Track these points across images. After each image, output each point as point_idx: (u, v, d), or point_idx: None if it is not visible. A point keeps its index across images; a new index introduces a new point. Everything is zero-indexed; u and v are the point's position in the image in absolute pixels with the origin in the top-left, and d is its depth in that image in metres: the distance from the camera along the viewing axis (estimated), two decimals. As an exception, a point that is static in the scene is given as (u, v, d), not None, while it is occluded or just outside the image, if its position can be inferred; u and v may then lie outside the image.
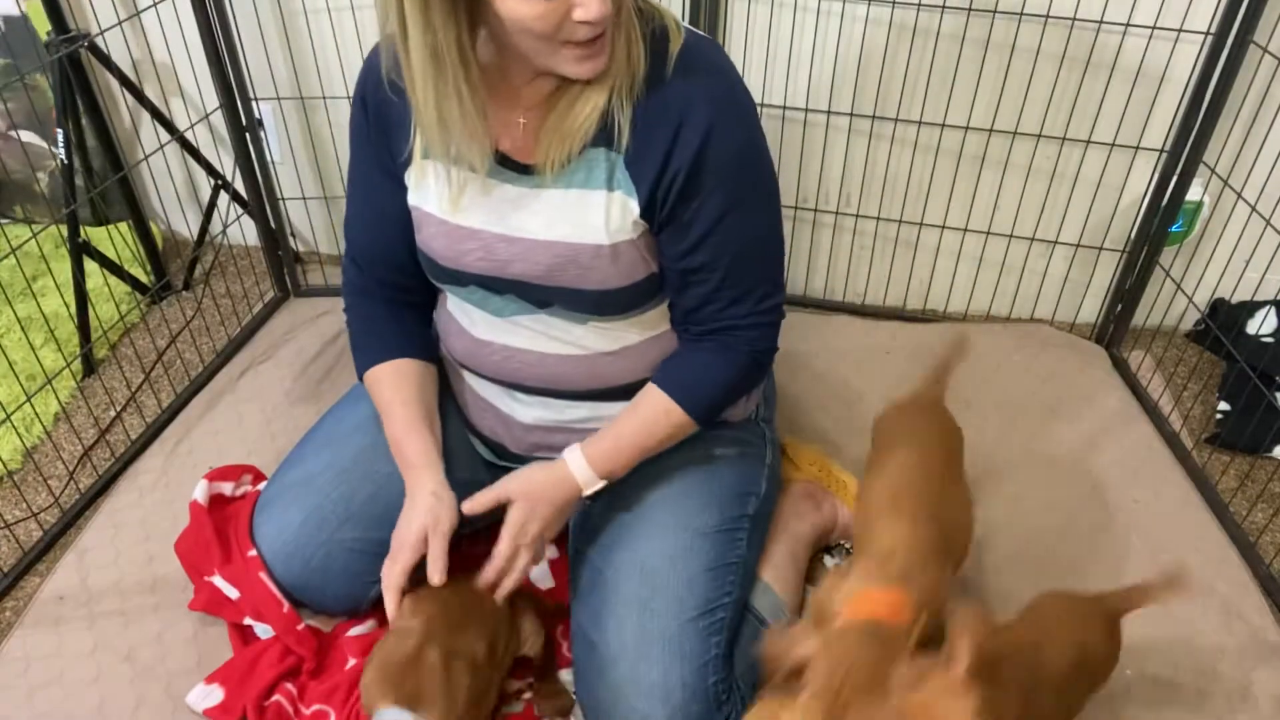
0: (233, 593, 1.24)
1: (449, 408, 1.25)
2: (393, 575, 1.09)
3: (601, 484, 1.10)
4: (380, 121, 1.09)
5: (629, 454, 1.10)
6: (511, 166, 1.03)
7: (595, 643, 1.08)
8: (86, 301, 1.76)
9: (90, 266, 1.78)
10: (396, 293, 1.20)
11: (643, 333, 1.12)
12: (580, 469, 1.09)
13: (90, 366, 1.80)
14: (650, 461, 1.14)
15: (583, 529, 1.19)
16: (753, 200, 1.03)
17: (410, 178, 1.09)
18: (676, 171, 0.98)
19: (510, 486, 1.10)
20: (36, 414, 1.64)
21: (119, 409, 1.71)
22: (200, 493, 1.38)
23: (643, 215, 1.01)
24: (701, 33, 1.02)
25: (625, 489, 1.16)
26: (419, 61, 0.90)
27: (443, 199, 1.07)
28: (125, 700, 1.21)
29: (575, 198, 1.01)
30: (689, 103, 0.96)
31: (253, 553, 1.22)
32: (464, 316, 1.16)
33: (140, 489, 1.53)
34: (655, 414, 1.10)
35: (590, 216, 1.01)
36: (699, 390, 1.10)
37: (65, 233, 1.73)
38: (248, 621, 1.24)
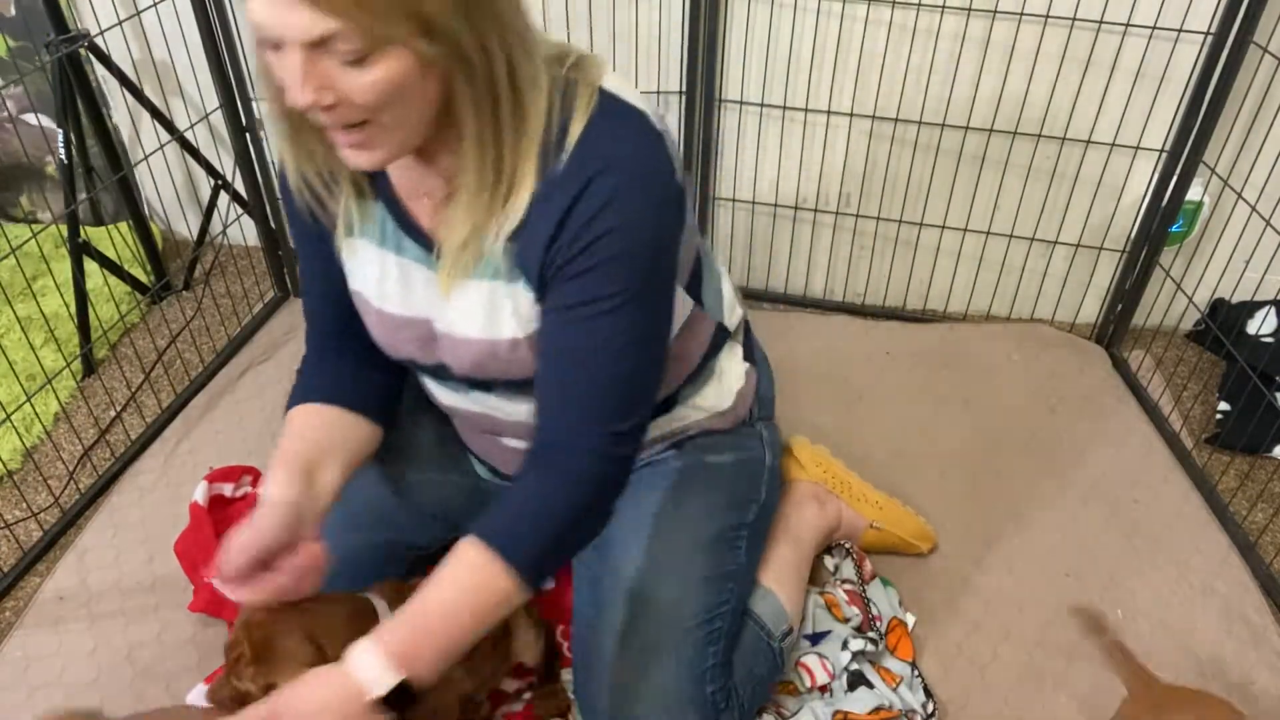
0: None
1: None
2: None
3: (398, 678, 0.82)
4: (318, 206, 0.99)
5: (440, 639, 0.85)
6: (428, 247, 0.94)
7: (592, 650, 1.08)
8: (86, 301, 1.76)
9: (90, 266, 1.78)
10: (368, 354, 1.07)
11: None
12: (367, 667, 0.82)
13: (90, 366, 1.80)
14: (645, 472, 1.13)
15: None
16: (636, 302, 0.88)
17: (343, 257, 1.01)
18: (555, 258, 0.87)
19: (276, 704, 0.83)
20: (36, 414, 1.64)
21: (119, 409, 1.71)
22: (200, 494, 1.38)
23: (538, 302, 0.91)
24: (632, 101, 0.88)
25: (621, 500, 1.04)
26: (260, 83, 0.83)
27: (369, 282, 0.99)
28: (125, 700, 1.21)
29: (486, 290, 0.92)
30: (580, 187, 0.84)
31: None
32: (427, 383, 1.10)
33: (140, 489, 1.53)
34: (467, 575, 0.87)
35: (499, 310, 0.92)
36: (521, 529, 0.89)
37: (65, 233, 1.73)
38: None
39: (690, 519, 1.13)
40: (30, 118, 2.06)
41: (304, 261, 1.07)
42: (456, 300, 0.94)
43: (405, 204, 0.95)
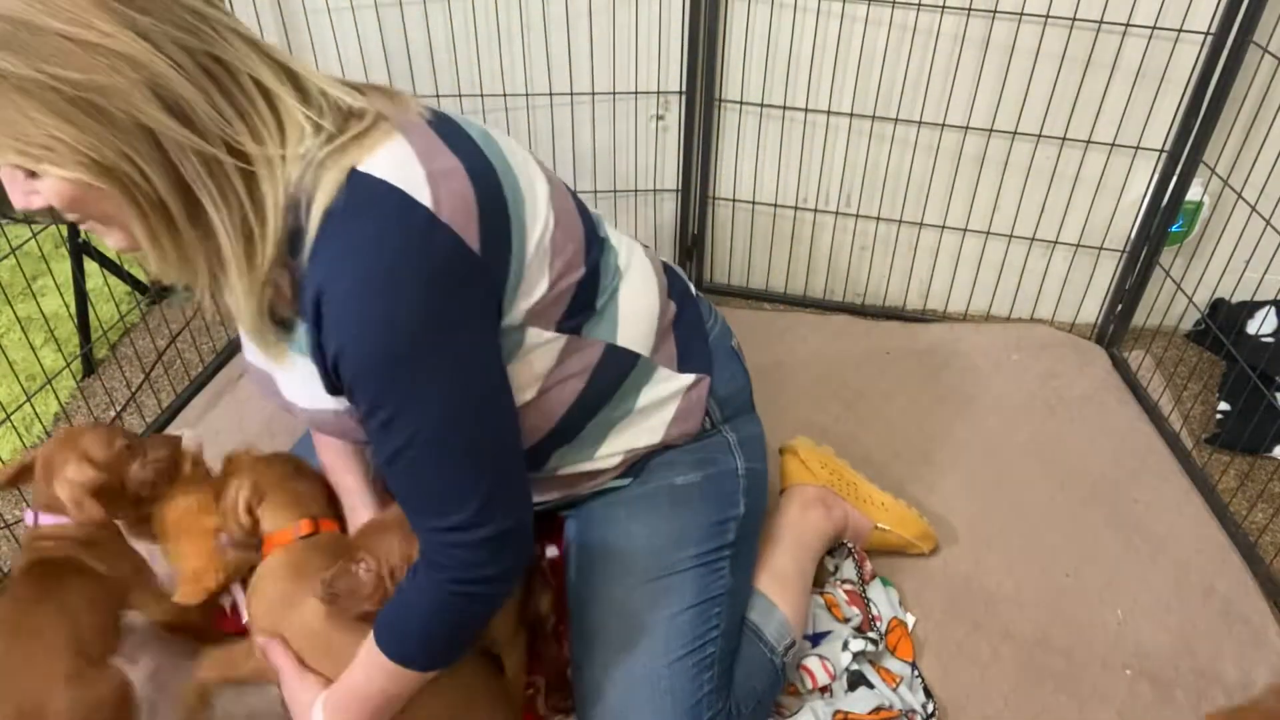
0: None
1: None
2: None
3: None
4: None
5: (374, 703, 0.95)
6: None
7: (585, 682, 1.06)
8: (86, 301, 1.76)
9: (90, 266, 1.78)
10: None
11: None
12: None
13: (90, 366, 1.80)
14: (608, 503, 1.11)
15: (570, 556, 1.15)
16: (407, 412, 0.82)
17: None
18: (329, 367, 0.83)
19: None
20: (36, 414, 1.64)
21: (119, 409, 1.71)
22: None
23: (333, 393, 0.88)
24: (387, 179, 0.79)
25: (596, 529, 1.10)
26: None
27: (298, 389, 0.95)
28: (125, 700, 1.20)
29: (302, 364, 0.89)
30: (313, 303, 0.79)
31: None
32: None
33: (140, 489, 1.53)
34: (378, 662, 0.93)
35: (318, 383, 0.87)
36: (400, 629, 0.92)
37: (65, 233, 1.73)
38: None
39: (666, 547, 1.08)
40: None
41: None
42: (286, 366, 0.91)
43: None
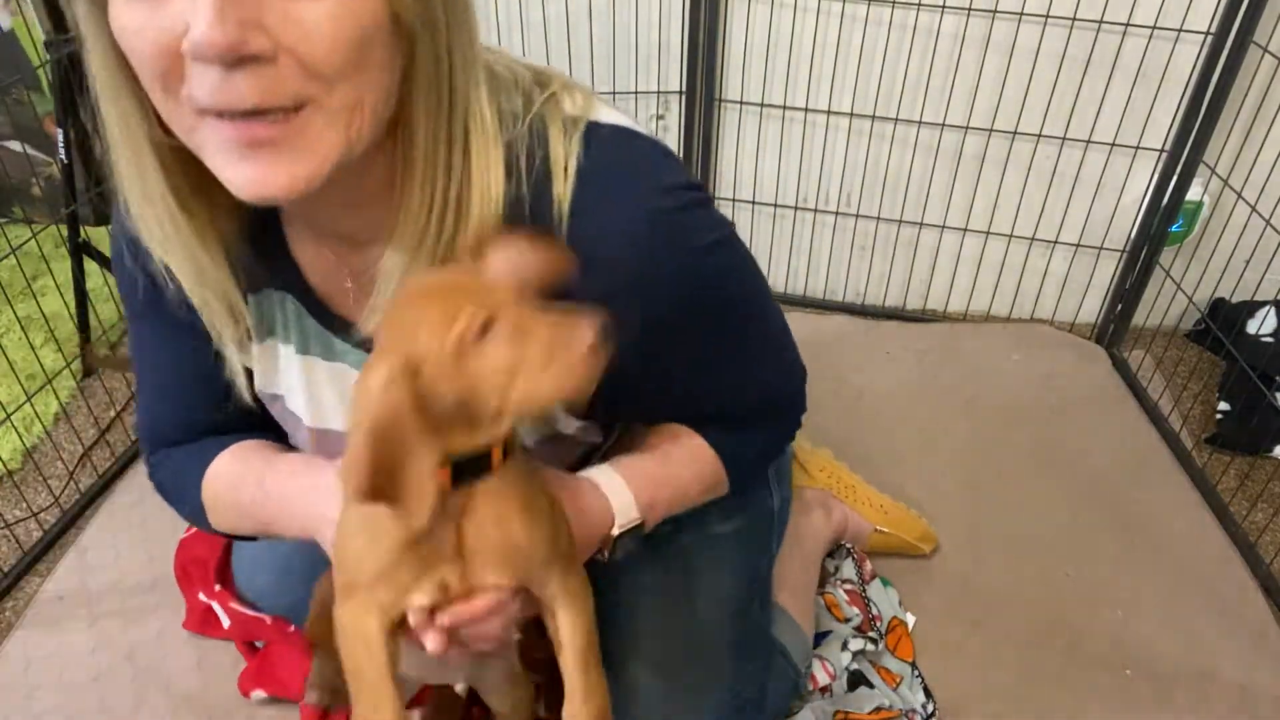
0: (224, 619, 1.26)
1: None
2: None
3: (637, 520, 0.79)
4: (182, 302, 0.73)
5: (671, 496, 0.82)
6: (368, 348, 0.70)
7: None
8: (86, 301, 1.76)
9: (90, 266, 1.78)
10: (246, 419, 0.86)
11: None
12: (617, 493, 0.78)
13: (90, 367, 1.80)
14: (645, 552, 0.92)
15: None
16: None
17: (250, 361, 0.81)
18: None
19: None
20: (36, 414, 1.64)
21: (119, 409, 1.71)
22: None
23: None
24: (628, 126, 0.71)
25: (624, 589, 0.94)
26: (132, 195, 0.63)
27: (295, 394, 0.80)
28: (125, 700, 1.20)
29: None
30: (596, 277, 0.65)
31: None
32: None
33: (140, 489, 1.53)
34: (700, 453, 0.84)
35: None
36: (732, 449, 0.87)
37: (65, 233, 1.73)
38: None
39: (700, 607, 0.97)
40: (14, 145, 2.09)
41: (145, 361, 0.84)
42: (327, 377, 0.77)
43: (322, 295, 0.75)
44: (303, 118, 0.54)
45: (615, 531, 0.78)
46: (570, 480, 0.79)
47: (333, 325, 0.76)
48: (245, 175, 0.56)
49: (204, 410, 0.84)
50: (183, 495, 0.88)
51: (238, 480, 0.82)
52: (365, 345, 0.72)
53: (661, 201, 0.69)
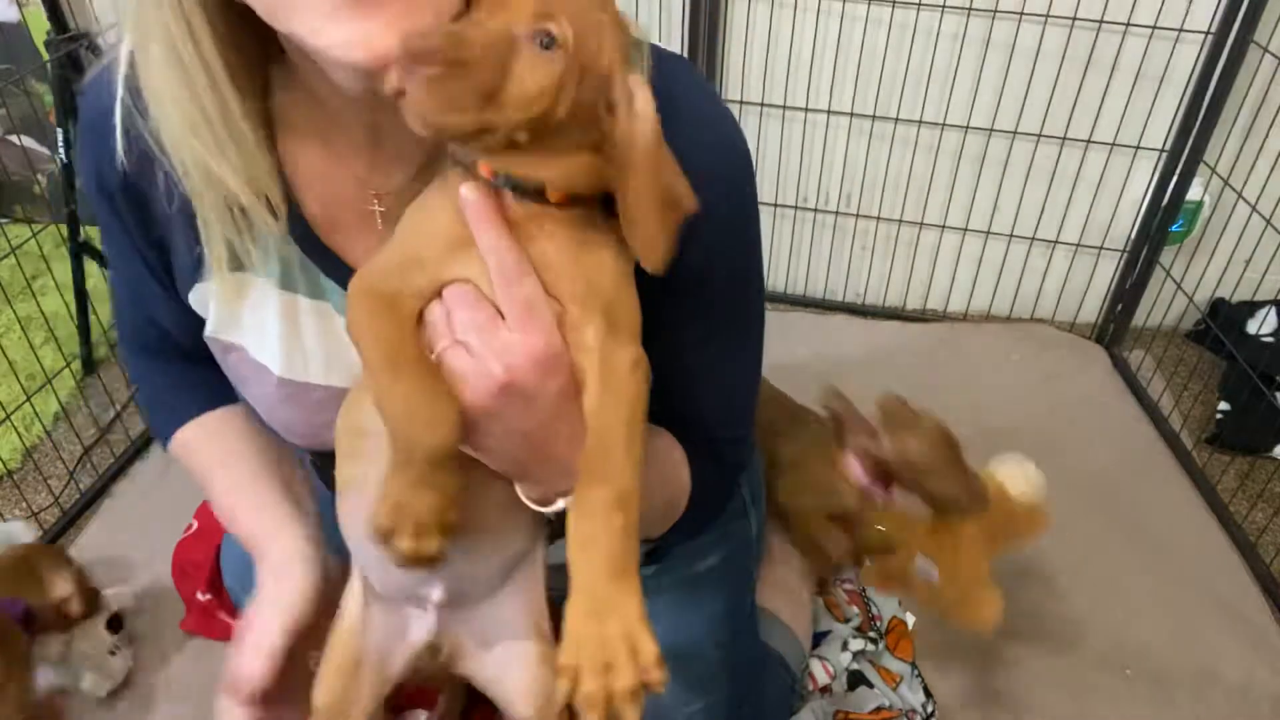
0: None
1: None
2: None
3: None
4: (140, 215, 0.69)
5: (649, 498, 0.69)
6: (340, 272, 0.68)
7: None
8: (86, 301, 1.76)
9: (90, 266, 1.78)
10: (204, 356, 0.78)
11: None
12: None
13: (90, 366, 1.79)
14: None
15: None
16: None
17: (210, 301, 0.71)
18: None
19: None
20: (36, 414, 1.64)
21: (119, 409, 1.71)
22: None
23: None
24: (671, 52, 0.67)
25: None
26: (157, 66, 0.58)
27: (267, 341, 0.70)
28: (125, 700, 1.20)
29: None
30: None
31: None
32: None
33: (140, 489, 1.53)
34: (677, 478, 0.76)
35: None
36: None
37: (65, 233, 1.73)
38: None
39: (688, 645, 0.96)
40: (19, 139, 2.08)
41: (120, 275, 0.78)
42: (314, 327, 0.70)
43: (320, 221, 0.68)
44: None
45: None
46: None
47: (323, 258, 0.68)
48: (347, 34, 0.50)
49: (179, 334, 0.78)
50: (155, 423, 0.85)
51: (204, 469, 0.80)
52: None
53: (740, 141, 0.68)
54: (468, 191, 0.54)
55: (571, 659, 0.55)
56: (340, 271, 0.68)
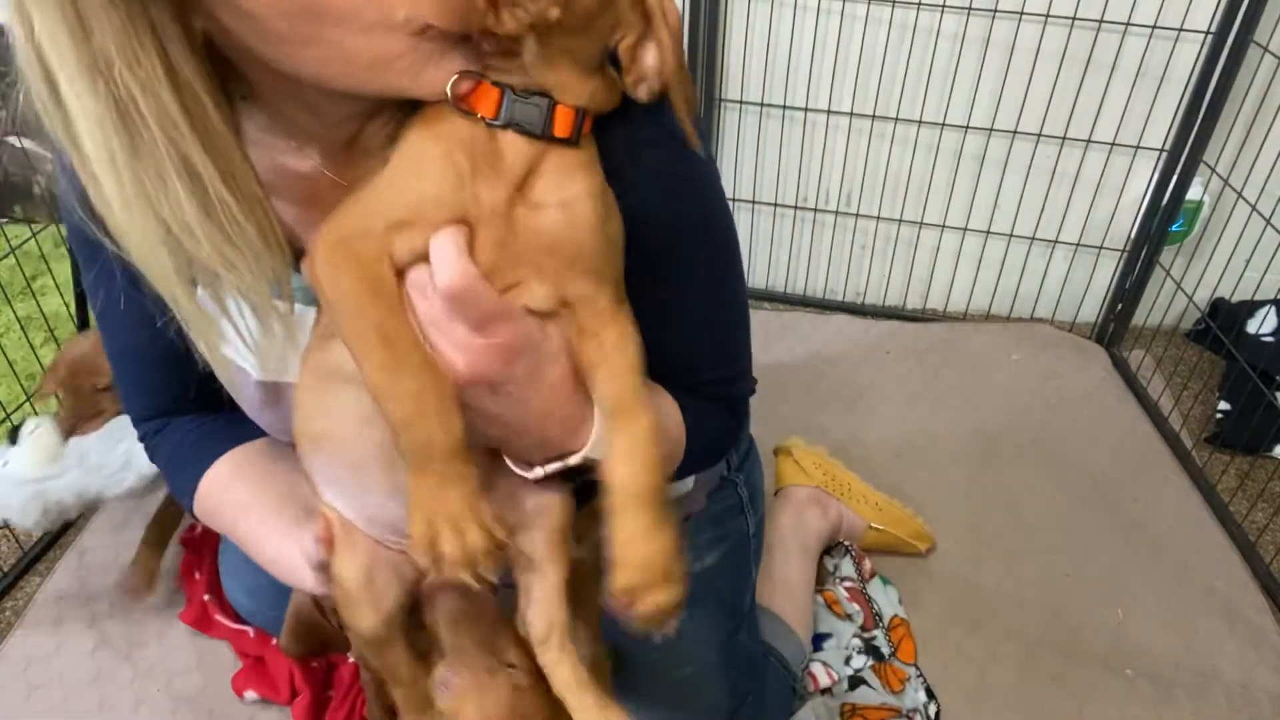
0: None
1: None
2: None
3: (596, 461, 0.64)
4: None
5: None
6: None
7: None
8: (87, 301, 1.76)
9: (90, 266, 1.78)
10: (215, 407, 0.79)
11: None
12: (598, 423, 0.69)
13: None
14: None
15: None
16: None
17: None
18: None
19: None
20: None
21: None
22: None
23: None
24: None
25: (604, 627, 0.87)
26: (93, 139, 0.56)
27: (234, 341, 0.68)
28: (125, 700, 1.21)
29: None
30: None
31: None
32: None
33: (140, 489, 1.53)
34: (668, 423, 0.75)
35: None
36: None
37: (65, 232, 1.73)
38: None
39: (687, 647, 0.97)
40: (20, 141, 2.08)
41: (108, 320, 0.75)
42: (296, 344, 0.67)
43: (300, 234, 0.66)
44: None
45: (576, 459, 0.63)
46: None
47: (297, 259, 0.65)
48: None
49: (177, 363, 0.72)
50: (177, 481, 0.83)
51: (228, 529, 0.80)
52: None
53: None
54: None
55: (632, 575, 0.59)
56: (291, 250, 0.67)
